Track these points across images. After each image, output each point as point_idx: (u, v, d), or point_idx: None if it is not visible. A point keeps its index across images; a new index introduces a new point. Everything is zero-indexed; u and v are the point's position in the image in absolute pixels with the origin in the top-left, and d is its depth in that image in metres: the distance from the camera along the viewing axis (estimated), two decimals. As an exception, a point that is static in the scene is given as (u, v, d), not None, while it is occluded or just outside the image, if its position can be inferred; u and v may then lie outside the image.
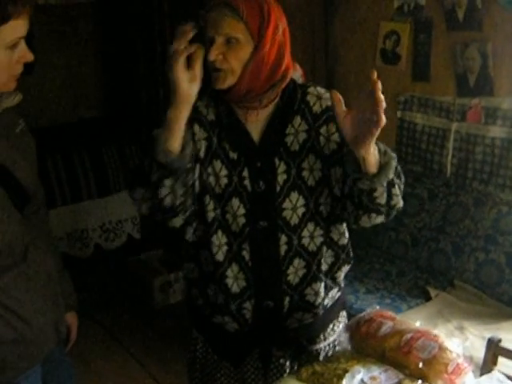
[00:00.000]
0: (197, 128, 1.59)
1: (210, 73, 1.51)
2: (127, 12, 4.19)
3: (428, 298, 2.71)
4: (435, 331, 1.53)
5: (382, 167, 1.41)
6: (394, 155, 1.46)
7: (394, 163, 1.44)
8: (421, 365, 1.42)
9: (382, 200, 1.46)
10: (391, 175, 1.43)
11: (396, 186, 1.48)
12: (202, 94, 1.63)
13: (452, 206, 2.88)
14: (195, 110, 1.58)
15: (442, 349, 1.44)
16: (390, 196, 1.47)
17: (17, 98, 1.50)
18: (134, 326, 3.50)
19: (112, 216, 4.11)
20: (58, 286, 1.67)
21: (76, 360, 1.95)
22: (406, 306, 2.67)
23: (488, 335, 1.87)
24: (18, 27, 1.37)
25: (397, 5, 3.07)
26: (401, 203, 1.51)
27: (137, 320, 3.55)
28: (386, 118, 1.30)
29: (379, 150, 1.42)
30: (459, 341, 1.51)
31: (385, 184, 1.44)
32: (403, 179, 1.54)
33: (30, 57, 1.42)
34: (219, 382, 1.76)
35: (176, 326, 3.30)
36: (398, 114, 3.15)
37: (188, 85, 1.40)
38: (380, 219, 1.52)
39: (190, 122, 1.55)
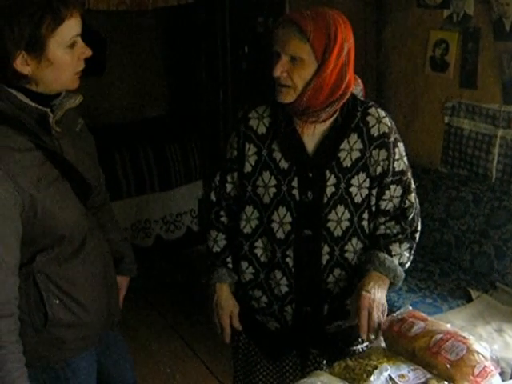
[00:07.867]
0: (247, 146, 1.66)
1: (275, 85, 1.58)
2: (191, 19, 4.29)
3: (469, 300, 2.70)
4: (465, 333, 1.52)
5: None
6: (400, 272, 1.70)
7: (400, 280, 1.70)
8: (448, 366, 1.41)
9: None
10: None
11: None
12: (256, 102, 1.73)
13: (496, 210, 2.86)
14: (246, 125, 1.67)
15: (469, 351, 1.43)
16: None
17: (78, 99, 1.56)
18: (188, 314, 3.57)
19: (173, 209, 4.24)
20: (114, 273, 1.75)
21: (133, 343, 1.94)
22: (447, 307, 2.66)
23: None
24: (73, 26, 1.45)
25: (446, 14, 3.07)
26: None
27: (191, 308, 3.61)
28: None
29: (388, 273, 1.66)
30: (487, 344, 1.49)
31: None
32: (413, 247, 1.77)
33: (88, 52, 1.49)
34: (259, 372, 1.85)
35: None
36: (446, 119, 3.12)
37: None
38: None
39: (242, 142, 1.66)
